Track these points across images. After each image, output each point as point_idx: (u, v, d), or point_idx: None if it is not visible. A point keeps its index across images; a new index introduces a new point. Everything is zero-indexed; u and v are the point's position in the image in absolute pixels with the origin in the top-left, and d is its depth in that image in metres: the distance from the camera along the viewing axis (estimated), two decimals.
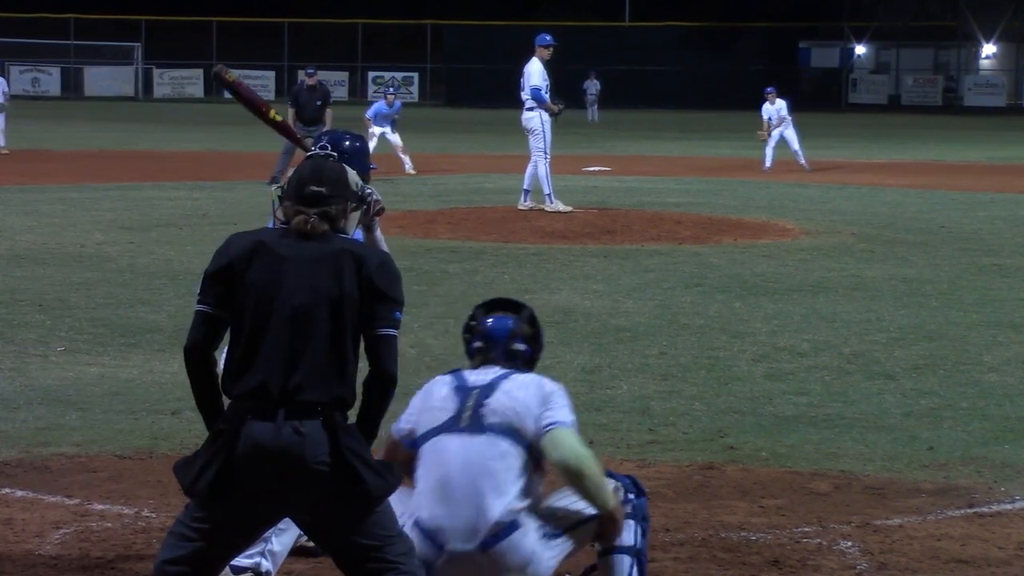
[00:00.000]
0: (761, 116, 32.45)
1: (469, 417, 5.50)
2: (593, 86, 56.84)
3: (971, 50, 78.64)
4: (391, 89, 33.45)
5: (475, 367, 5.74)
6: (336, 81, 65.40)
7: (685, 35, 71.14)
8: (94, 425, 9.06)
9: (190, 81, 73.41)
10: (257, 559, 6.10)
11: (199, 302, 5.03)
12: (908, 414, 9.61)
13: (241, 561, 5.99)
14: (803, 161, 31.51)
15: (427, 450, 5.53)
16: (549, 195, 20.82)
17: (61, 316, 12.68)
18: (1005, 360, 11.37)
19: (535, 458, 5.52)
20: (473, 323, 5.87)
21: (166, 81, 73.27)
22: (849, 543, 6.89)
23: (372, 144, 29.12)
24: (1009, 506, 7.57)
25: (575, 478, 5.48)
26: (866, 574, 6.53)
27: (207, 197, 23.77)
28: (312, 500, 4.92)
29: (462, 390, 5.59)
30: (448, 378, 5.68)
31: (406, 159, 29.20)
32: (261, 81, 69.24)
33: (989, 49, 77.61)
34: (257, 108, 6.45)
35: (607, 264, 16.19)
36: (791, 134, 31.98)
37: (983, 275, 15.87)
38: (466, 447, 5.46)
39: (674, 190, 26.21)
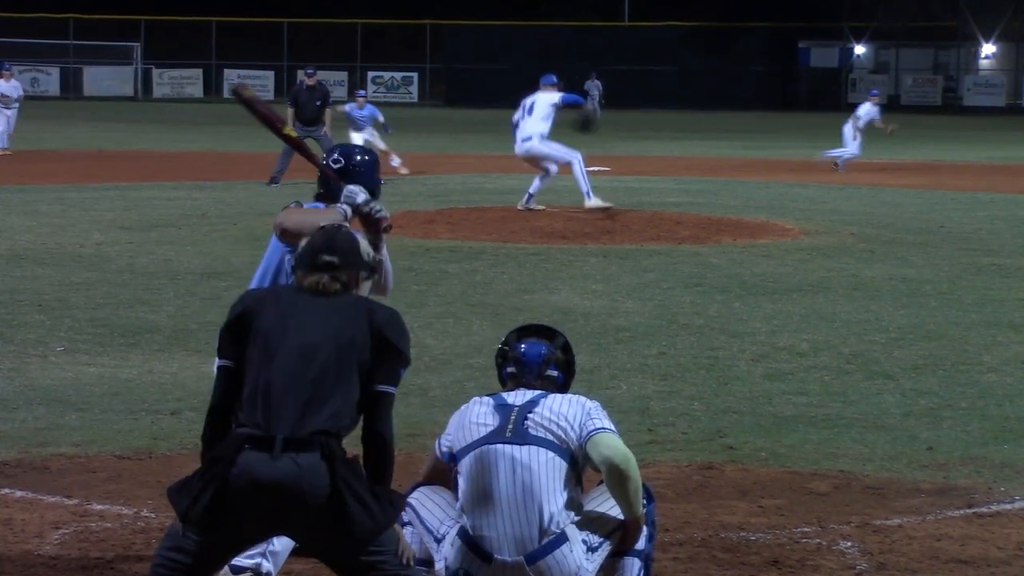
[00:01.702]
0: (859, 116, 32.22)
1: (513, 430, 5.53)
2: (595, 87, 56.80)
3: (971, 50, 78.62)
4: (362, 92, 33.32)
5: (508, 391, 5.77)
6: (335, 81, 65.34)
7: (685, 35, 71.10)
8: (93, 425, 9.06)
9: (190, 81, 73.39)
10: (258, 559, 6.10)
11: (219, 357, 5.11)
12: (908, 414, 9.61)
13: (241, 561, 5.99)
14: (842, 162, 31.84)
15: (470, 460, 5.53)
16: (587, 192, 20.88)
17: (60, 316, 12.68)
18: (1005, 360, 11.37)
19: (577, 471, 5.56)
20: (506, 348, 5.90)
21: (166, 81, 73.26)
22: (849, 543, 6.89)
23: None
24: (1008, 506, 7.57)
25: (619, 479, 5.51)
26: (866, 574, 6.53)
27: (207, 197, 23.77)
28: (307, 529, 4.95)
29: (503, 408, 5.62)
30: (487, 399, 5.71)
31: (393, 158, 29.07)
32: (261, 81, 69.23)
33: (989, 49, 77.59)
34: (272, 125, 6.47)
35: (606, 264, 16.19)
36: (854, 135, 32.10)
37: (983, 275, 15.87)
38: (512, 458, 5.48)
39: (674, 190, 26.20)
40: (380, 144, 29.49)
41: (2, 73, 32.95)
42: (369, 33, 76.45)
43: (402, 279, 14.96)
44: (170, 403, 9.56)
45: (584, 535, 5.52)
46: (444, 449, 5.71)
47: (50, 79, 70.77)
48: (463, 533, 5.47)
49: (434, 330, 12.17)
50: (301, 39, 74.30)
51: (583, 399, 5.69)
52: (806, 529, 7.11)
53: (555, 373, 5.82)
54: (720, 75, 68.62)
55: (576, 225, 19.36)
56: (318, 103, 26.90)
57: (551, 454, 5.49)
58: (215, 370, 5.14)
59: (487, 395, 5.76)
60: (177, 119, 51.70)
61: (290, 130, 6.65)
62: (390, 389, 5.08)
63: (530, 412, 5.57)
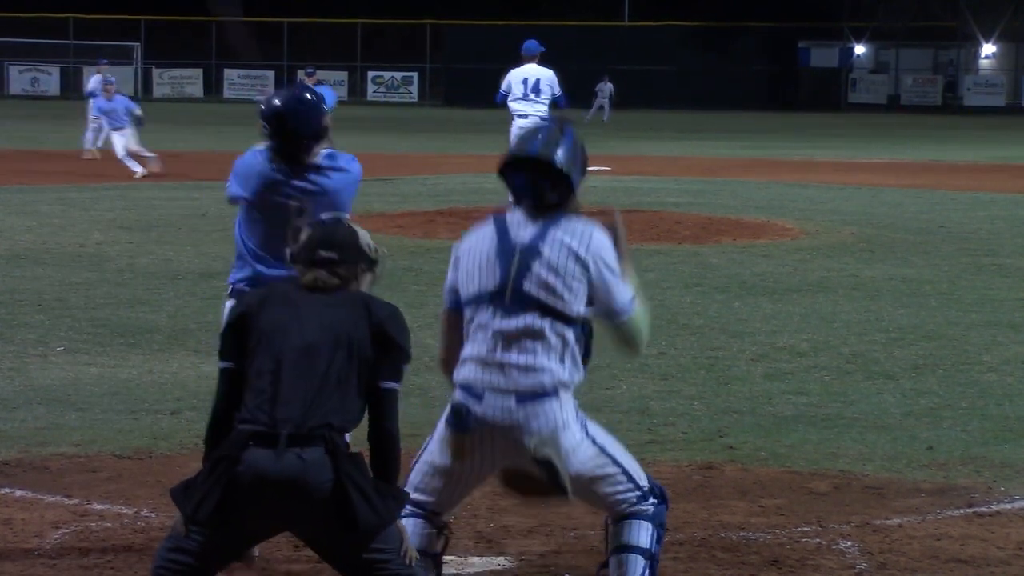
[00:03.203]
0: None
1: (511, 295, 5.45)
2: (606, 89, 56.73)
3: (971, 50, 78.64)
4: (112, 79, 31.60)
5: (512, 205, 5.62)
6: (335, 81, 65.37)
7: (685, 35, 71.11)
8: (93, 425, 9.06)
9: (190, 81, 73.42)
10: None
11: (220, 359, 5.10)
12: (907, 414, 9.61)
13: None
14: None
15: (468, 316, 5.51)
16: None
17: (60, 316, 12.68)
18: (1004, 360, 11.37)
19: (580, 330, 5.51)
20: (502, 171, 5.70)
21: (166, 81, 73.29)
22: (849, 543, 6.89)
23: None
24: (1008, 506, 7.57)
25: (629, 351, 5.66)
26: (865, 574, 6.53)
27: (207, 197, 23.75)
28: (312, 525, 4.95)
29: (505, 254, 5.49)
30: (491, 232, 5.55)
31: (132, 163, 27.67)
32: (261, 81, 69.26)
33: (989, 49, 77.61)
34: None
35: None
36: None
37: (982, 275, 15.87)
38: (508, 325, 5.43)
39: (674, 190, 26.20)
40: (133, 144, 28.17)
41: (105, 87, 29.93)
42: (369, 33, 76.45)
43: (402, 279, 14.98)
44: (170, 403, 9.56)
45: (584, 420, 5.54)
46: (450, 285, 5.62)
47: (50, 79, 70.79)
48: (457, 381, 5.51)
49: (434, 330, 12.10)
50: (301, 39, 74.32)
51: (581, 251, 5.48)
52: (806, 529, 7.11)
53: (554, 197, 5.58)
54: (720, 75, 68.63)
55: None
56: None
57: (549, 321, 5.43)
58: (218, 372, 5.13)
59: (492, 222, 5.58)
60: (177, 119, 51.69)
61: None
62: (394, 385, 5.10)
63: (530, 266, 5.45)
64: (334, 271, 5.15)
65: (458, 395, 5.49)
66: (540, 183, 5.56)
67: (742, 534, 7.00)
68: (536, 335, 5.42)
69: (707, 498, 7.61)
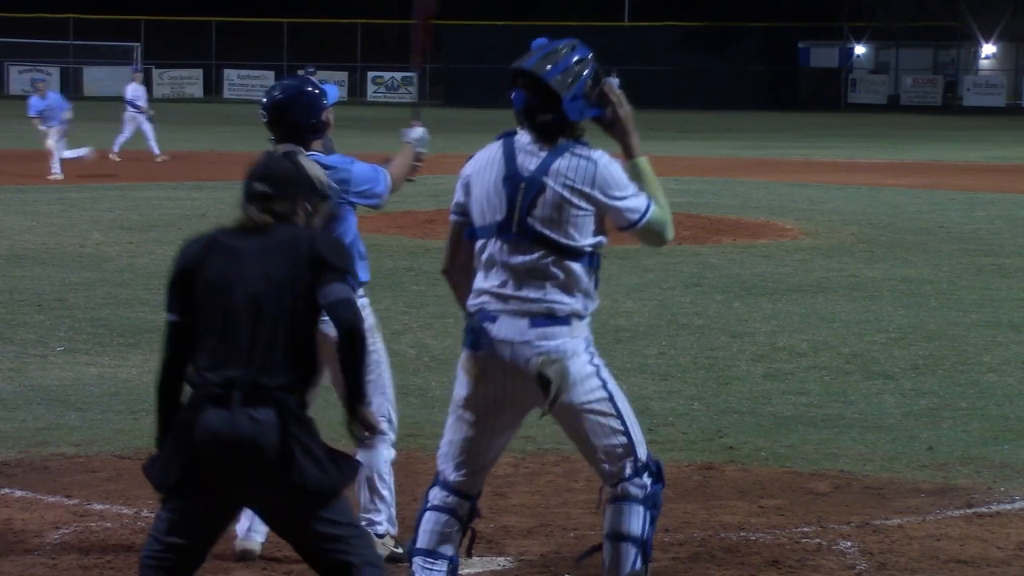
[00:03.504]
0: None
1: (517, 224, 5.48)
2: (613, 84, 56.79)
3: (971, 50, 78.63)
4: (41, 76, 31.75)
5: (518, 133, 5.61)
6: (336, 81, 65.37)
7: (685, 35, 71.10)
8: (93, 425, 9.06)
9: (190, 81, 73.37)
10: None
11: (168, 311, 5.07)
12: (907, 414, 9.61)
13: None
14: None
15: (484, 255, 5.53)
16: None
17: (60, 316, 12.69)
18: (1004, 360, 11.37)
19: (588, 264, 5.56)
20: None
21: (165, 81, 73.23)
22: (848, 543, 6.89)
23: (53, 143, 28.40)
24: (1008, 506, 7.57)
25: (655, 245, 5.79)
26: (865, 574, 6.52)
27: (207, 197, 23.77)
28: (264, 488, 4.91)
29: (511, 183, 5.49)
30: (499, 155, 5.55)
31: (55, 165, 27.53)
32: (261, 81, 69.22)
33: (989, 49, 77.60)
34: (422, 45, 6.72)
35: (606, 264, 16.04)
36: None
37: (982, 275, 15.87)
38: (517, 259, 5.47)
39: (674, 190, 26.18)
40: (51, 141, 27.95)
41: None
42: (369, 33, 76.43)
43: (402, 279, 14.99)
44: None
45: (592, 350, 5.57)
46: (458, 204, 5.64)
47: (50, 79, 70.69)
48: (471, 308, 5.55)
49: (434, 330, 12.16)
50: (301, 39, 74.30)
51: (584, 186, 5.49)
52: (806, 529, 7.11)
53: (547, 118, 5.54)
54: (720, 75, 68.60)
55: None
56: None
57: (553, 258, 5.47)
58: (165, 324, 5.10)
59: (500, 142, 5.58)
60: (177, 119, 51.67)
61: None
62: (342, 295, 4.92)
63: (535, 202, 5.46)
64: (267, 207, 5.04)
65: (473, 319, 5.54)
66: (533, 101, 5.53)
67: (742, 534, 7.00)
68: (544, 269, 5.47)
69: (707, 498, 7.61)
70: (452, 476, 5.65)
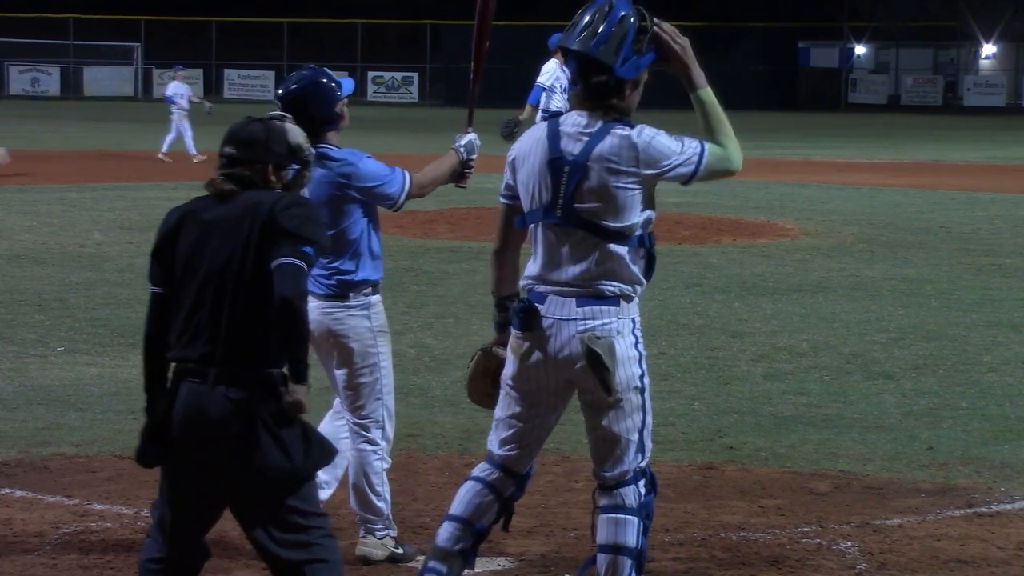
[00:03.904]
0: None
1: (562, 208, 5.51)
2: None
3: (971, 50, 78.63)
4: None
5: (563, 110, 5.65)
6: None
7: (685, 35, 71.05)
8: (93, 425, 9.06)
9: (190, 81, 73.24)
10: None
11: (150, 282, 5.11)
12: (908, 414, 9.61)
13: None
14: None
15: (534, 239, 5.59)
16: None
17: (60, 316, 12.69)
18: (1005, 360, 11.37)
19: (635, 246, 5.69)
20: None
21: (166, 81, 73.18)
22: (849, 543, 6.89)
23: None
24: (1008, 506, 7.57)
25: (725, 176, 5.94)
26: (866, 574, 6.52)
27: None
28: (233, 469, 4.90)
29: (555, 167, 5.51)
30: (544, 139, 5.55)
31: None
32: (261, 81, 69.25)
33: (989, 49, 77.60)
34: (481, 37, 6.68)
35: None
36: None
37: (982, 275, 15.87)
38: (564, 243, 5.51)
39: (674, 190, 26.09)
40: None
41: (175, 74, 31.37)
42: (369, 33, 76.43)
43: (402, 279, 14.99)
44: None
45: (639, 335, 5.64)
46: (508, 189, 5.68)
47: (50, 79, 70.73)
48: (525, 286, 5.59)
49: (434, 330, 12.16)
50: (301, 39, 74.28)
51: (628, 166, 5.56)
52: (806, 529, 7.11)
53: (602, 78, 5.59)
54: (719, 75, 68.25)
55: None
56: None
57: (599, 240, 5.52)
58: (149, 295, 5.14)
59: (545, 127, 5.58)
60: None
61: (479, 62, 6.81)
62: (288, 260, 4.82)
63: (578, 188, 5.48)
64: (231, 172, 5.02)
65: (522, 300, 5.58)
66: (585, 66, 5.58)
67: (742, 534, 7.00)
68: (591, 252, 5.51)
69: (707, 498, 7.61)
70: (497, 451, 5.69)
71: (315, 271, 6.38)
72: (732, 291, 14.45)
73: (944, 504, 7.56)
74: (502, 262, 5.80)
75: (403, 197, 6.62)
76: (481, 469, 5.70)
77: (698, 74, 5.73)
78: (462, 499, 5.69)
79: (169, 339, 5.01)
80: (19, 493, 7.58)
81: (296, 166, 5.17)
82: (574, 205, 5.50)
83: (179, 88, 32.54)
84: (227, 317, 4.90)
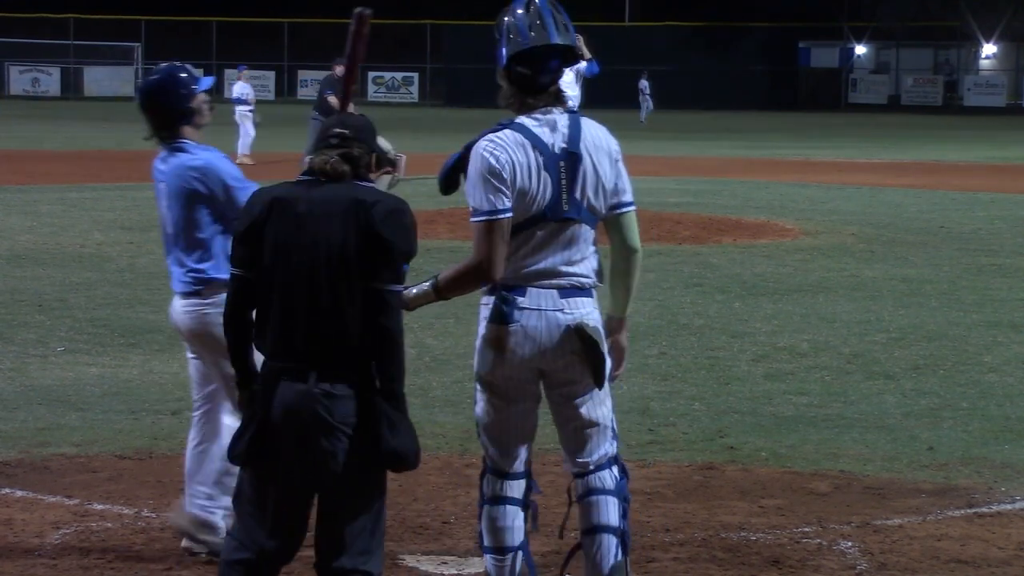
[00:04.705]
0: None
1: (568, 201, 5.52)
2: (645, 87, 57.15)
3: (971, 50, 78.65)
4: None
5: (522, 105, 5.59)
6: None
7: (685, 35, 71.13)
8: (94, 425, 9.06)
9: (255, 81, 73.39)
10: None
11: (232, 264, 5.08)
12: (908, 414, 9.61)
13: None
14: None
15: (530, 236, 5.52)
16: None
17: (61, 316, 12.68)
18: (1005, 360, 11.37)
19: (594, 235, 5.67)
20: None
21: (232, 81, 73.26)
22: (849, 543, 6.89)
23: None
24: (1009, 506, 7.57)
25: (634, 264, 5.80)
26: (866, 574, 6.52)
27: None
28: (336, 467, 4.91)
29: (551, 163, 5.49)
30: (527, 142, 5.49)
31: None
32: (261, 81, 69.24)
33: (989, 49, 77.63)
34: (353, 65, 6.52)
35: (607, 264, 16.15)
36: None
37: (983, 275, 15.88)
38: (556, 236, 5.52)
39: (674, 190, 26.19)
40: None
41: (240, 75, 31.28)
42: (369, 33, 76.38)
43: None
44: (170, 403, 9.56)
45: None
46: (503, 207, 5.50)
47: (50, 79, 70.79)
48: (506, 282, 5.54)
49: (434, 330, 12.17)
50: (301, 39, 74.34)
51: (611, 151, 5.61)
52: (806, 529, 7.10)
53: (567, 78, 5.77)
54: (720, 75, 68.61)
55: None
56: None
57: (585, 227, 5.58)
58: (230, 276, 5.09)
59: (510, 128, 5.50)
60: None
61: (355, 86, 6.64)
62: (392, 287, 4.97)
63: (578, 177, 5.51)
64: (346, 154, 5.01)
65: (503, 294, 5.56)
66: (561, 67, 5.62)
67: (742, 534, 7.00)
68: (576, 243, 5.56)
69: (707, 498, 7.61)
70: (496, 458, 5.70)
71: (175, 268, 6.45)
72: (732, 291, 14.45)
73: (944, 504, 7.56)
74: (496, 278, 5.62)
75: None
76: (489, 487, 5.71)
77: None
78: (488, 530, 5.71)
79: (258, 329, 4.98)
80: (19, 493, 7.57)
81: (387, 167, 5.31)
82: (576, 195, 5.52)
83: (244, 88, 32.64)
84: (330, 311, 4.89)
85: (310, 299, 4.91)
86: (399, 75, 72.94)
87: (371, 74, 72.40)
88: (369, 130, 5.17)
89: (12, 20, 67.04)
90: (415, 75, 73.50)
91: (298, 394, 4.87)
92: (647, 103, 56.86)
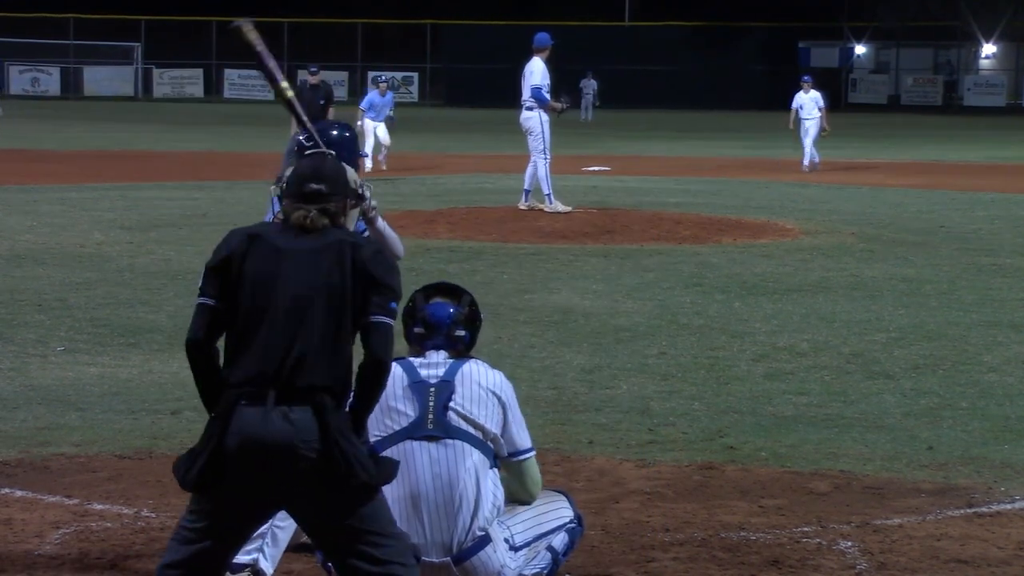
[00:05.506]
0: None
1: (434, 421, 5.56)
2: (590, 85, 57.03)
3: (971, 50, 78.66)
4: (383, 77, 32.94)
5: (415, 354, 5.74)
6: (336, 81, 65.34)
7: (685, 35, 71.14)
8: (94, 425, 9.06)
9: (190, 81, 73.41)
10: (255, 555, 6.08)
11: (200, 295, 5.05)
12: (908, 414, 9.61)
13: (239, 558, 5.97)
14: None
15: (392, 455, 5.47)
16: (549, 195, 20.79)
17: (61, 316, 12.68)
18: (1005, 360, 11.37)
19: (495, 460, 5.67)
20: (413, 307, 5.83)
21: (166, 81, 73.29)
22: (849, 543, 6.89)
23: (369, 143, 29.04)
24: (1009, 506, 7.57)
25: (523, 501, 5.80)
26: (866, 574, 6.52)
27: (207, 197, 23.77)
28: (301, 489, 4.90)
29: (419, 388, 5.60)
30: (398, 371, 5.61)
31: (381, 159, 29.38)
32: (261, 81, 69.09)
33: (989, 49, 77.64)
34: (270, 76, 6.36)
35: (607, 264, 16.19)
36: None
37: (983, 275, 15.87)
38: (435, 458, 5.53)
39: (674, 190, 26.20)
40: (387, 141, 29.72)
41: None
42: (369, 33, 76.45)
43: (402, 279, 14.94)
44: (170, 403, 9.56)
45: (506, 533, 5.64)
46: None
47: (50, 79, 70.78)
48: None
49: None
50: (301, 39, 74.30)
51: (498, 384, 5.69)
52: (806, 529, 7.10)
53: (463, 333, 5.81)
54: (720, 75, 68.60)
55: (576, 225, 19.36)
56: (321, 102, 26.81)
57: (474, 451, 5.55)
58: (196, 305, 5.06)
59: (396, 361, 5.57)
60: (177, 119, 51.70)
61: (287, 88, 6.44)
62: (385, 319, 4.98)
63: (448, 399, 5.57)
64: (324, 208, 5.06)
65: None
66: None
67: (742, 534, 7.00)
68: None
69: (707, 498, 7.61)
70: None
71: None
72: (732, 291, 14.45)
73: (944, 504, 7.56)
74: None
75: None
76: None
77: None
78: None
79: (229, 359, 4.97)
80: (19, 493, 7.57)
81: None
82: (447, 419, 5.66)
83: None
84: (300, 343, 4.89)
85: (289, 329, 4.91)
86: (399, 75, 72.90)
87: (371, 74, 72.33)
88: (341, 179, 5.18)
89: (12, 20, 67.02)
90: (415, 75, 73.51)
91: (257, 417, 4.85)
92: (587, 102, 56.79)
